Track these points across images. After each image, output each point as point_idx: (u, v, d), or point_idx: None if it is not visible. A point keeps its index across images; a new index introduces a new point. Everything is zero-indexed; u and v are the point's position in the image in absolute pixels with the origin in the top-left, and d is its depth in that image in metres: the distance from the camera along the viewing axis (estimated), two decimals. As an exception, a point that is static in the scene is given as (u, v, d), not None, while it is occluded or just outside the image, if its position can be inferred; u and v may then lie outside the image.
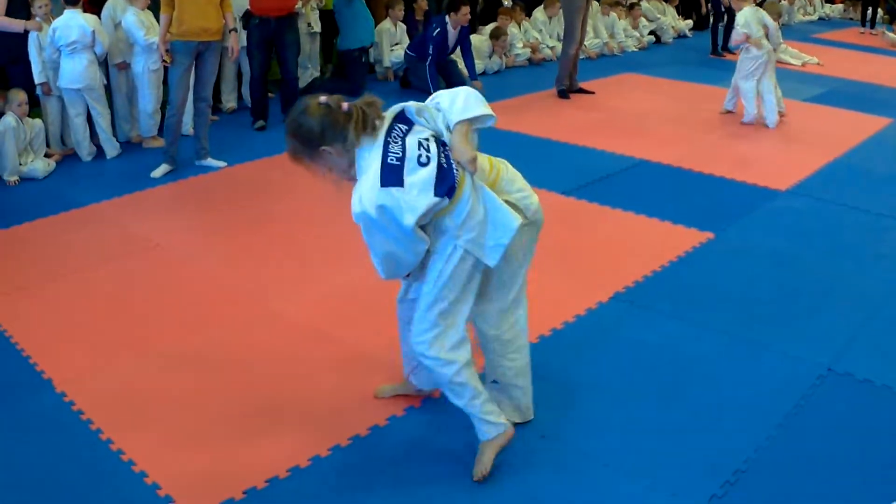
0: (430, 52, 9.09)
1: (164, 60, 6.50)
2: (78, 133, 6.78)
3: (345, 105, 2.84)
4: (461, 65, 9.59)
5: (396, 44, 10.16)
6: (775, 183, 6.51)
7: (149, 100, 7.06)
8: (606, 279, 4.77)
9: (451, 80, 9.51)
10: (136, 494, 3.05)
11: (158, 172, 6.46)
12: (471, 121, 2.94)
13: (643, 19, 13.31)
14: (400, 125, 2.91)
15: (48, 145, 6.75)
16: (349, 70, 9.17)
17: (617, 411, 3.58)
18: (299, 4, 8.16)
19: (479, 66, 10.18)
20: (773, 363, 3.98)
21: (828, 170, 7.00)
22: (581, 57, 9.93)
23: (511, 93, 9.48)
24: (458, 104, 2.94)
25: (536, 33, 11.63)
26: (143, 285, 4.69)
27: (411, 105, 2.97)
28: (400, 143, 2.84)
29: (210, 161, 6.74)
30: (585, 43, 10.74)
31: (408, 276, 3.11)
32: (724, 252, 5.24)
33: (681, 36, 14.24)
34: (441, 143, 2.92)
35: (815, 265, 5.10)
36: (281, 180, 6.34)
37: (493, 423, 3.12)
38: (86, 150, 6.84)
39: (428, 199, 2.77)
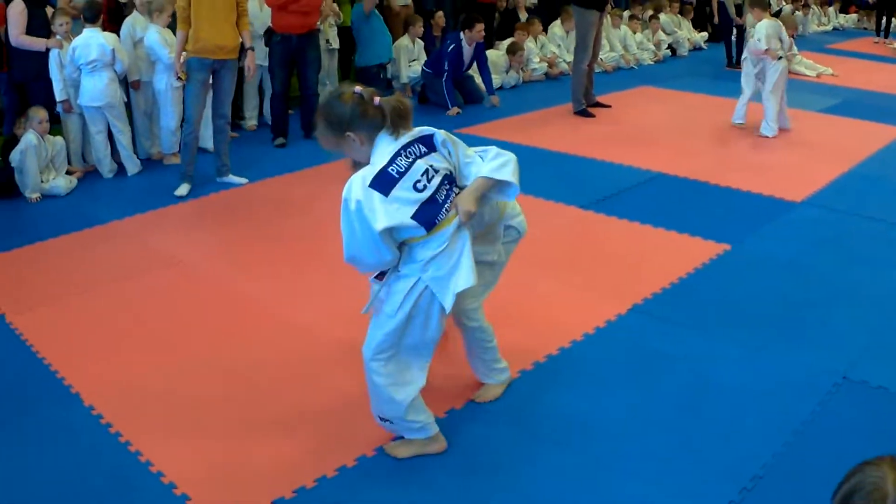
0: (446, 68, 9.17)
1: (178, 77, 6.57)
2: (99, 150, 6.87)
3: (376, 99, 3.00)
4: (478, 80, 9.67)
5: (414, 60, 10.23)
6: (791, 194, 6.53)
7: (171, 117, 7.15)
8: (625, 292, 4.80)
9: (469, 95, 9.59)
10: (164, 505, 3.11)
11: (182, 191, 6.51)
12: (494, 183, 3.12)
13: (661, 32, 13.35)
14: (421, 145, 3.06)
15: (69, 162, 6.83)
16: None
17: (636, 418, 3.62)
18: (318, 21, 8.24)
19: (497, 80, 10.25)
20: (789, 371, 4.01)
21: (843, 180, 7.02)
22: (597, 70, 9.95)
23: (528, 107, 9.55)
24: (495, 163, 3.13)
25: (554, 48, 11.69)
26: (164, 300, 4.75)
27: (440, 133, 3.12)
28: (410, 160, 3.00)
29: (231, 178, 6.80)
30: (602, 56, 10.76)
31: (378, 277, 3.20)
32: (740, 263, 5.26)
33: (696, 48, 14.29)
34: (449, 181, 3.08)
35: (830, 275, 5.12)
36: (301, 197, 6.41)
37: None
38: (107, 167, 6.92)
39: (403, 217, 2.94)
